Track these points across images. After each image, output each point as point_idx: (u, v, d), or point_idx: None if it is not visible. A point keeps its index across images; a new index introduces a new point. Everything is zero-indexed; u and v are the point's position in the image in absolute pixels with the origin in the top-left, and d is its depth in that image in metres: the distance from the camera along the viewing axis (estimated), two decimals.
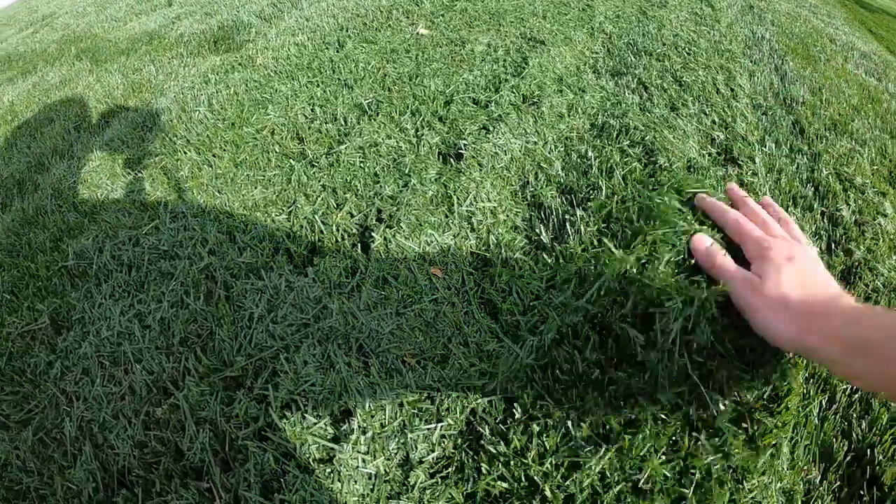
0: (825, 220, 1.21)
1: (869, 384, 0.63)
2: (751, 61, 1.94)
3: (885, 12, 5.79)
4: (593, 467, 0.70)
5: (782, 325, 0.65)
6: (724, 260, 0.76)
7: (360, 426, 0.76)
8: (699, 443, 0.71)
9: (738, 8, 2.58)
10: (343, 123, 1.44)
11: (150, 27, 2.98)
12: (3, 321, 1.11)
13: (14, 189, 1.71)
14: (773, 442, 0.72)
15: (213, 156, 1.40)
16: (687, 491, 0.68)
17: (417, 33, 1.97)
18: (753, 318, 0.68)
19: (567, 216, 1.07)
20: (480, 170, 1.20)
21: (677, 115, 1.45)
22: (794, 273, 0.69)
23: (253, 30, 2.45)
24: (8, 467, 0.85)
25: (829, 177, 1.33)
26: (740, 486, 0.70)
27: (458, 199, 1.12)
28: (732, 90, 1.66)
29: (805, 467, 0.77)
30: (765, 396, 0.76)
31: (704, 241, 0.80)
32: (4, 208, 1.62)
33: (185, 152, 1.44)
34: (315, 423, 0.77)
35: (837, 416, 0.83)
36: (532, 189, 1.16)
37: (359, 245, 1.06)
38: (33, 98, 2.48)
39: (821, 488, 0.75)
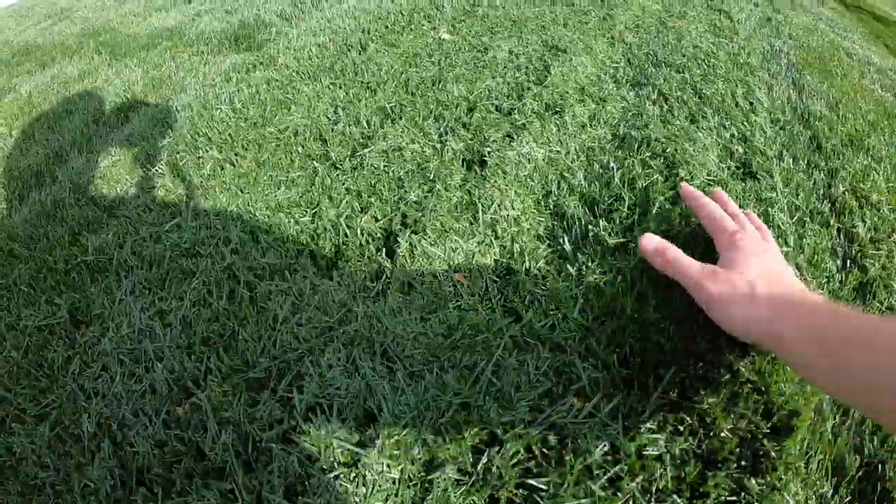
0: (841, 237, 1.20)
1: (829, 384, 0.61)
2: (769, 74, 1.94)
3: None
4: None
5: (747, 311, 0.66)
6: (676, 253, 0.79)
7: (385, 431, 0.76)
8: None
9: (756, 20, 2.57)
10: (366, 126, 1.44)
11: (169, 23, 2.99)
12: (20, 314, 1.12)
13: (32, 181, 1.72)
14: (783, 477, 0.72)
15: (236, 155, 1.41)
16: None
17: (440, 38, 1.97)
18: (713, 307, 0.70)
19: (590, 226, 1.07)
20: (504, 177, 1.20)
21: (697, 127, 1.44)
22: (764, 265, 0.70)
23: (273, 29, 2.46)
24: (24, 461, 0.85)
25: (846, 193, 1.32)
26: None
27: (482, 206, 1.12)
28: (751, 104, 1.66)
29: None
30: (771, 423, 0.77)
31: (652, 239, 0.83)
32: (22, 200, 1.63)
33: (206, 150, 1.44)
34: (340, 428, 0.77)
35: (850, 432, 0.83)
36: (555, 198, 1.16)
37: (383, 249, 1.07)
38: (52, 90, 2.49)
39: (833, 502, 0.75)
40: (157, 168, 1.44)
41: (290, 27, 2.46)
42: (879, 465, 0.79)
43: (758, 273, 0.68)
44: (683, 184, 0.97)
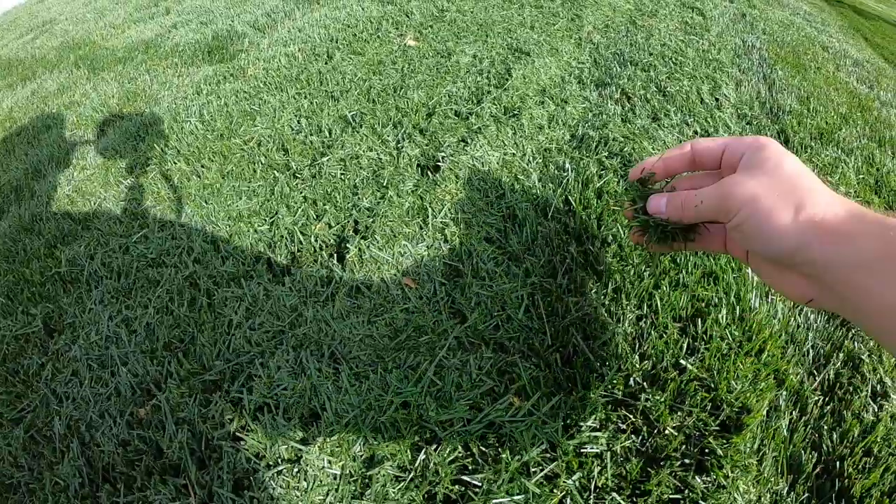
0: None
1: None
2: (739, 70, 1.97)
3: (882, 19, 5.78)
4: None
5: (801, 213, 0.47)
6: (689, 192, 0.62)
7: (327, 429, 0.80)
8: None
9: (731, 16, 2.60)
10: (328, 135, 1.47)
11: (147, 35, 3.02)
12: None
13: (11, 196, 1.75)
14: (729, 475, 0.74)
15: (202, 166, 1.44)
16: None
17: (405, 45, 2.01)
18: (747, 210, 0.48)
19: (540, 227, 1.11)
20: (457, 182, 1.24)
21: (659, 125, 1.48)
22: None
23: (247, 40, 2.49)
24: (1, 462, 0.88)
25: None
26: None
27: (433, 210, 1.16)
28: (717, 100, 1.69)
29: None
30: (720, 420, 0.80)
31: (660, 197, 0.70)
32: (2, 214, 1.66)
33: (175, 163, 1.48)
34: (285, 426, 0.81)
35: (808, 428, 0.83)
36: (507, 201, 1.20)
37: (335, 255, 1.10)
38: (32, 105, 2.52)
39: (788, 499, 0.75)
40: (129, 181, 1.48)
41: (262, 37, 2.50)
42: (838, 462, 0.79)
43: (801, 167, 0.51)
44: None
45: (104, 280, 1.17)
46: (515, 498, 0.72)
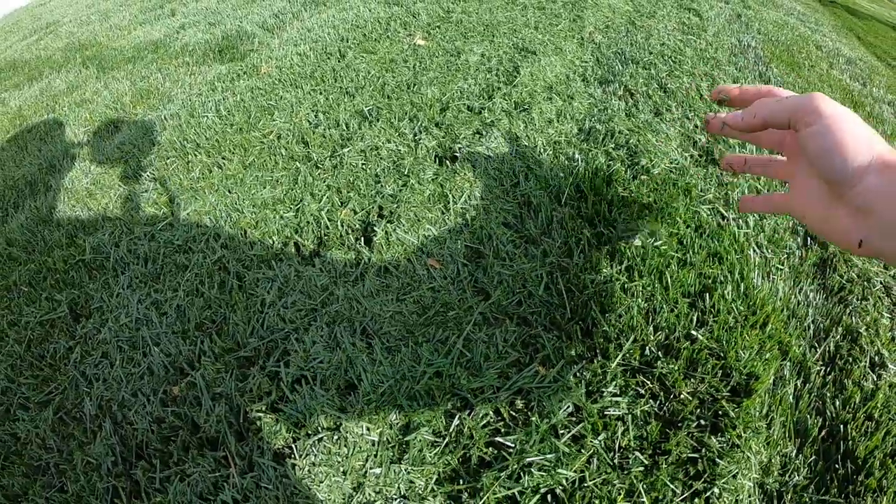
0: None
1: None
2: (735, 68, 2.01)
3: (875, 19, 5.85)
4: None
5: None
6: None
7: (364, 398, 0.84)
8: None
9: (726, 17, 2.64)
10: (345, 129, 1.52)
11: (154, 36, 3.05)
12: (21, 311, 1.18)
13: (26, 190, 1.77)
14: (742, 435, 0.79)
15: (223, 158, 1.48)
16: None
17: (415, 44, 2.05)
18: (829, 121, 0.48)
19: (554, 213, 1.15)
20: (474, 171, 1.28)
21: (661, 119, 1.52)
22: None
23: (256, 40, 2.53)
24: (28, 445, 0.90)
25: None
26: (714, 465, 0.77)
27: (453, 197, 1.21)
28: None
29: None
30: (730, 385, 0.85)
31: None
32: (17, 207, 1.68)
33: (195, 155, 1.51)
34: (323, 396, 0.85)
35: (812, 396, 0.88)
36: (522, 189, 1.24)
37: (362, 238, 1.14)
38: (41, 103, 2.54)
39: (797, 461, 0.80)
40: (148, 173, 1.51)
41: (272, 38, 2.53)
42: (842, 426, 0.83)
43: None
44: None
45: (131, 266, 1.20)
46: (547, 457, 0.77)
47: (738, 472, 0.76)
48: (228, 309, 1.03)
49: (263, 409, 0.86)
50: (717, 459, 0.76)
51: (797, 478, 0.78)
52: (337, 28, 2.36)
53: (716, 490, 0.74)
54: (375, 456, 0.80)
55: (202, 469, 0.81)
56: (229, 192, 1.34)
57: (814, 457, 0.81)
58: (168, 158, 1.55)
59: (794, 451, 0.81)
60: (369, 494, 0.76)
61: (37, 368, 1.04)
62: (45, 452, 0.89)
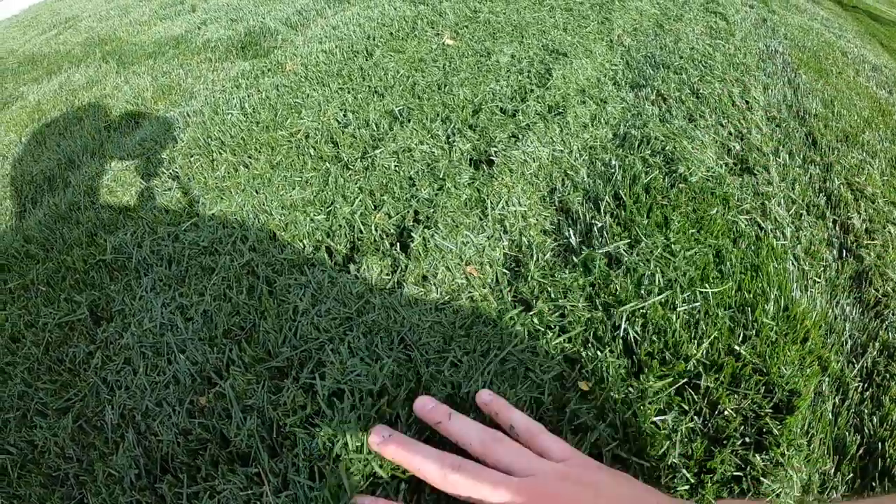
0: (837, 228, 1.26)
1: None
2: (765, 74, 1.99)
3: None
4: None
5: None
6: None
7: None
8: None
9: (752, 21, 2.63)
10: (375, 129, 1.48)
11: (175, 32, 3.03)
12: (39, 312, 1.14)
13: (44, 185, 1.75)
14: (785, 453, 0.76)
15: (249, 157, 1.45)
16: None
17: (443, 43, 2.01)
18: None
19: (594, 221, 1.11)
20: (511, 175, 1.25)
21: (695, 126, 1.49)
22: None
23: (279, 36, 2.51)
24: (46, 454, 0.86)
25: (841, 187, 1.38)
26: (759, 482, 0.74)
27: (491, 202, 1.17)
28: (747, 102, 1.71)
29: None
30: (773, 402, 0.82)
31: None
32: (35, 204, 1.66)
33: (220, 153, 1.48)
34: (361, 411, 0.81)
35: (850, 412, 0.87)
36: (560, 195, 1.21)
37: (398, 244, 1.11)
38: (60, 98, 2.53)
39: (835, 479, 0.79)
40: (171, 170, 1.48)
41: (295, 35, 2.51)
42: (879, 444, 0.82)
43: None
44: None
45: (154, 267, 1.16)
46: None
47: (781, 491, 0.73)
48: (258, 316, 0.99)
49: (298, 423, 0.82)
50: (760, 478, 0.74)
51: (835, 495, 0.78)
52: (362, 26, 2.33)
53: None
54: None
55: (233, 486, 0.77)
56: (256, 192, 1.30)
57: (851, 474, 0.80)
58: (192, 156, 1.51)
59: (833, 469, 0.80)
60: None
61: (55, 373, 1.01)
62: (65, 462, 0.85)
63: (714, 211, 1.16)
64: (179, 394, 0.90)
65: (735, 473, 0.74)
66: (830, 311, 1.03)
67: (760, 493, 0.73)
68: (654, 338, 0.89)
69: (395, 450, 0.58)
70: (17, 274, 1.28)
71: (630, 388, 0.82)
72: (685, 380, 0.84)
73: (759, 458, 0.75)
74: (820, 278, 1.10)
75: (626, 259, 1.03)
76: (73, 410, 0.92)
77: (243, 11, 3.09)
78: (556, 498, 0.49)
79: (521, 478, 0.52)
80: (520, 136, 1.40)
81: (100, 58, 2.94)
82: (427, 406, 0.61)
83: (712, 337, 0.89)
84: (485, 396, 0.68)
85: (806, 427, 0.82)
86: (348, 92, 1.71)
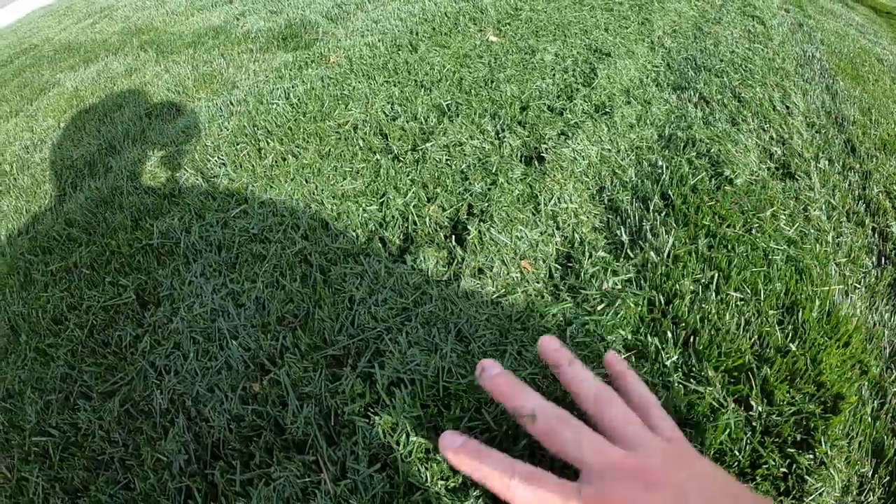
0: (876, 236, 1.26)
1: None
2: (803, 79, 1.98)
3: None
4: None
5: None
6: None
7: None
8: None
9: (788, 26, 2.61)
10: (424, 122, 1.49)
11: (214, 22, 3.05)
12: (83, 295, 1.15)
13: (85, 170, 1.76)
14: (828, 452, 0.77)
15: (297, 147, 1.45)
16: None
17: (487, 40, 2.01)
18: None
19: (644, 221, 1.11)
20: (562, 172, 1.24)
21: (738, 129, 1.49)
22: None
23: (320, 29, 2.51)
24: (90, 437, 0.87)
25: (880, 195, 1.38)
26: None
27: (543, 199, 1.17)
28: (788, 107, 1.70)
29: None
30: (821, 402, 0.83)
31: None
32: (76, 188, 1.67)
33: (267, 142, 1.49)
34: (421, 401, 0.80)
35: (888, 416, 0.88)
36: (609, 193, 1.20)
37: (453, 237, 1.11)
38: (98, 85, 2.54)
39: (873, 482, 0.79)
40: (216, 158, 1.49)
41: (336, 27, 2.51)
42: None
43: None
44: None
45: (204, 253, 1.17)
46: None
47: (824, 491, 0.74)
48: (312, 304, 1.00)
49: (357, 411, 0.82)
50: (805, 476, 0.75)
51: (872, 498, 0.78)
52: (404, 20, 2.34)
53: None
54: None
55: (290, 473, 0.76)
56: (306, 181, 1.31)
57: (888, 477, 0.80)
58: (238, 144, 1.52)
59: (871, 471, 0.81)
60: None
61: (100, 356, 1.01)
62: (110, 445, 0.85)
63: (760, 214, 1.17)
64: (232, 380, 0.90)
65: (783, 470, 0.75)
66: (870, 316, 1.03)
67: (804, 491, 0.73)
68: (713, 331, 0.90)
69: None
70: (59, 256, 1.29)
71: (690, 380, 0.83)
72: (738, 372, 0.85)
73: (804, 457, 0.76)
74: (860, 284, 1.11)
75: (680, 255, 1.03)
76: (120, 394, 0.93)
77: (283, 4, 3.10)
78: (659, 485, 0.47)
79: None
80: (569, 134, 1.40)
81: (137, 47, 2.96)
82: (553, 345, 0.58)
83: (762, 334, 0.91)
84: (611, 357, 0.65)
85: (847, 429, 0.82)
86: (394, 85, 1.71)
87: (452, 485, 0.72)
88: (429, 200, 1.20)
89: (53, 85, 2.78)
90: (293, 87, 1.80)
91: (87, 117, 2.19)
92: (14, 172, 1.92)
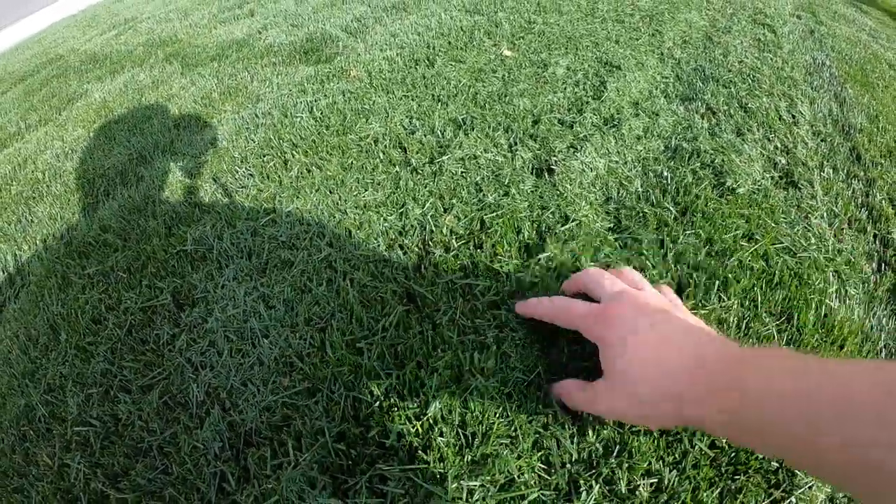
0: (877, 242, 1.29)
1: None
2: (811, 88, 2.00)
3: None
4: None
5: (647, 412, 0.63)
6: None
7: None
8: None
9: (800, 33, 2.62)
10: (441, 136, 1.56)
11: (237, 36, 3.13)
12: (120, 297, 1.22)
13: (117, 179, 1.84)
14: None
15: (321, 159, 1.53)
16: None
17: (502, 54, 2.08)
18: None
19: (645, 230, 1.18)
20: (571, 184, 1.31)
21: (743, 140, 1.54)
22: (642, 343, 0.63)
23: (340, 43, 2.58)
24: (129, 427, 0.94)
25: (883, 202, 1.41)
26: None
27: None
28: (794, 117, 1.74)
29: None
30: None
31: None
32: (108, 196, 1.75)
33: (293, 154, 1.56)
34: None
35: None
36: (615, 203, 1.27)
37: (470, 244, 1.18)
38: (126, 96, 2.63)
39: None
40: (244, 169, 1.57)
41: (355, 41, 2.58)
42: None
43: (639, 362, 0.61)
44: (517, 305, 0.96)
45: (235, 259, 1.24)
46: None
47: (813, 485, 0.79)
48: (337, 306, 1.07)
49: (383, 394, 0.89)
50: (794, 471, 0.79)
51: None
52: (421, 35, 2.41)
53: (793, 500, 0.77)
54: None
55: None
56: (330, 192, 1.39)
57: None
58: (264, 156, 1.60)
59: None
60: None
61: (139, 353, 1.08)
62: (148, 435, 0.92)
63: (761, 221, 1.22)
64: (263, 375, 0.97)
65: (774, 464, 0.80)
66: (867, 321, 1.07)
67: (794, 484, 0.78)
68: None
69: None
70: (96, 260, 1.36)
71: None
72: None
73: None
74: (858, 290, 1.14)
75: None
76: (158, 387, 1.00)
77: (302, 17, 3.17)
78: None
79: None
80: (579, 147, 1.46)
81: (163, 59, 3.05)
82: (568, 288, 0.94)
83: (760, 337, 0.97)
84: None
85: None
86: (412, 99, 1.79)
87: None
88: (446, 211, 1.28)
89: (81, 95, 2.87)
90: (316, 101, 1.88)
91: (117, 128, 2.28)
92: (47, 180, 2.00)
